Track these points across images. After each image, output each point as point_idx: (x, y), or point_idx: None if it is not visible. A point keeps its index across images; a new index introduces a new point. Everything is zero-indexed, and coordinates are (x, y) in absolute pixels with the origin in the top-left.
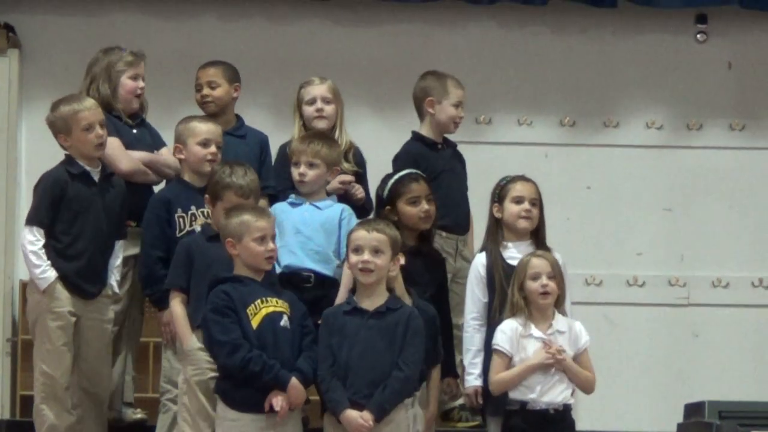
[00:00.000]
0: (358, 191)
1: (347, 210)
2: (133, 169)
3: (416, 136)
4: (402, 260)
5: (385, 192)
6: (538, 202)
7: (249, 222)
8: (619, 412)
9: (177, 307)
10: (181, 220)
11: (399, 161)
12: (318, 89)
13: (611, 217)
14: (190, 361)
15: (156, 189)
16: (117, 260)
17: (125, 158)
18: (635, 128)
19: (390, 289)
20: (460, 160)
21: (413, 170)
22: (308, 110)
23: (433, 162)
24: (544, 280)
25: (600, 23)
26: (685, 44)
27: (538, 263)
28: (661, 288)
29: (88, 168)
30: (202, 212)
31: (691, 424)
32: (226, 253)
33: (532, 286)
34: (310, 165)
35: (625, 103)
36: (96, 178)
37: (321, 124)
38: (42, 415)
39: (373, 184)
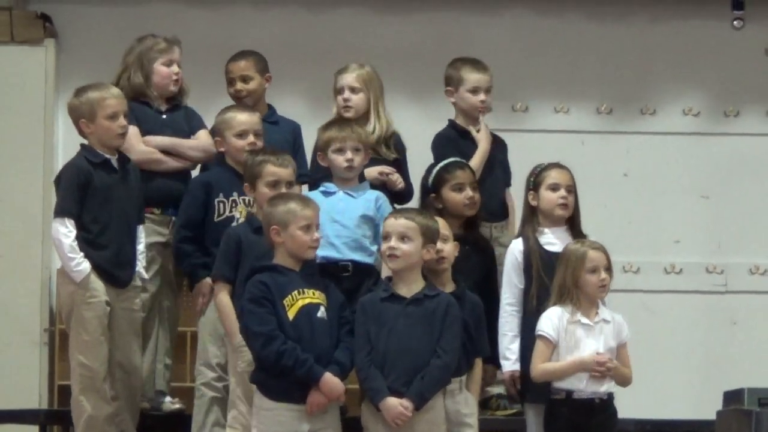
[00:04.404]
0: (398, 182)
1: (382, 197)
2: (142, 159)
3: (450, 124)
4: (434, 253)
5: (431, 179)
6: (573, 189)
7: (295, 210)
8: (658, 400)
9: (224, 299)
10: (221, 205)
11: (435, 147)
12: (346, 78)
13: (648, 204)
14: (240, 354)
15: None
16: (141, 246)
17: (136, 148)
18: (672, 115)
19: (425, 276)
20: (498, 148)
21: (458, 158)
22: (338, 99)
23: (464, 149)
24: (602, 273)
25: (636, 10)
26: (722, 30)
27: (597, 256)
28: (699, 275)
29: (107, 156)
30: (244, 200)
31: (730, 412)
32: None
33: (591, 279)
34: (356, 150)
35: (662, 90)
36: (116, 165)
37: (348, 114)
38: (80, 407)
39: (411, 171)
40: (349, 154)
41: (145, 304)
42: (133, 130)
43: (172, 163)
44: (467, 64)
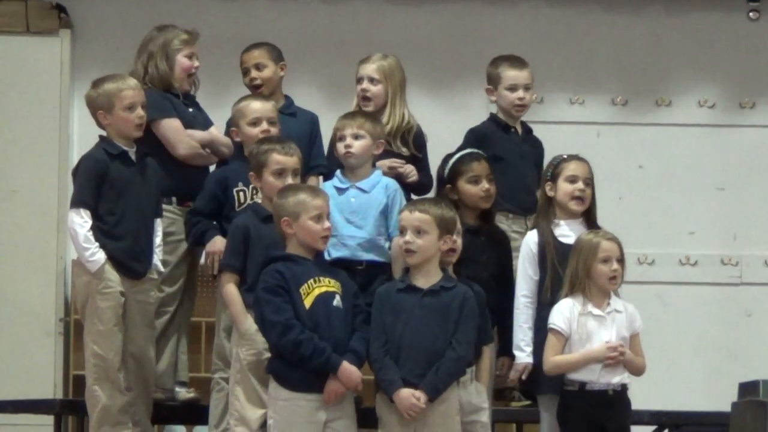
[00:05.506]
0: (410, 175)
1: (391, 186)
2: (191, 153)
3: (491, 117)
4: (451, 243)
5: (446, 171)
6: (591, 182)
7: (306, 201)
8: (673, 392)
9: (231, 289)
10: (241, 194)
11: (465, 139)
12: (367, 69)
13: (663, 196)
14: (245, 342)
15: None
16: (158, 239)
17: (184, 142)
18: (687, 107)
19: (444, 268)
20: (533, 145)
21: (474, 150)
22: (357, 89)
23: (500, 144)
24: (614, 264)
25: (652, 1)
26: (738, 22)
27: (610, 247)
28: (714, 267)
29: (125, 148)
30: None
31: (745, 403)
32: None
33: (602, 269)
34: (356, 137)
35: (677, 82)
36: (133, 157)
37: (366, 105)
38: (95, 396)
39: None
40: (348, 140)
41: (171, 298)
42: (177, 123)
43: (211, 159)
44: (505, 62)
